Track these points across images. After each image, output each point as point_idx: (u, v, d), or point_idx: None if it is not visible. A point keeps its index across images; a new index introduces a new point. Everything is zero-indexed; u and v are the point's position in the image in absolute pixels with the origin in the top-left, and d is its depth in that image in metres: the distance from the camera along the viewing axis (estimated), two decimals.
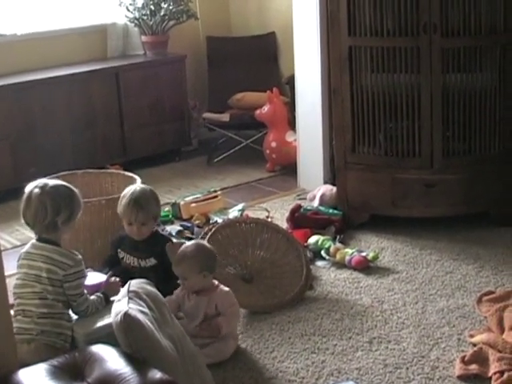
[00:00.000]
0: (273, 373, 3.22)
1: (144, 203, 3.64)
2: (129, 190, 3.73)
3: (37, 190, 3.10)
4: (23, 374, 2.42)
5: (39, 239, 3.12)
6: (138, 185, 3.87)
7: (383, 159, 4.51)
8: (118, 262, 3.75)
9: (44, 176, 4.47)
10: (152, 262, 3.68)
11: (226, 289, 3.43)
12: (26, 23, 5.90)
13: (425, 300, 3.77)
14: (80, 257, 3.11)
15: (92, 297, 3.14)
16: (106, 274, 3.49)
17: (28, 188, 3.15)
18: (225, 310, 3.35)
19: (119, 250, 3.76)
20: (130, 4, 6.25)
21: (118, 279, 3.35)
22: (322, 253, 4.27)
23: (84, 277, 3.11)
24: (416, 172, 4.44)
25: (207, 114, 6.33)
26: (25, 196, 3.13)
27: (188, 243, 3.53)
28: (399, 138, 4.44)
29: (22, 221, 3.15)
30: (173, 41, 6.45)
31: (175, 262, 3.39)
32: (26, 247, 3.15)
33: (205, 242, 3.57)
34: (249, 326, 3.61)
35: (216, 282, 3.44)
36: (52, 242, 3.09)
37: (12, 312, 2.85)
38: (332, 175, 5.07)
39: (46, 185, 3.13)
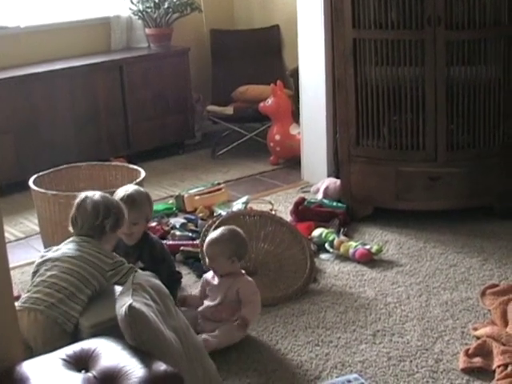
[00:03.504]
0: (276, 365, 3.22)
1: (138, 201, 3.61)
2: (123, 189, 3.71)
3: (90, 196, 3.24)
4: (27, 365, 2.42)
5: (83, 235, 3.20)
6: (132, 185, 3.83)
7: (387, 152, 4.50)
8: None
9: (47, 169, 4.52)
10: (140, 265, 3.66)
11: (250, 279, 3.47)
12: (29, 15, 5.90)
13: (428, 293, 3.77)
14: None
15: None
16: None
17: (80, 196, 3.27)
18: (247, 298, 3.37)
19: (114, 255, 3.74)
20: None
21: None
22: (326, 246, 4.27)
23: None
24: (420, 165, 4.44)
25: (211, 107, 6.33)
26: (77, 201, 3.24)
27: (224, 227, 3.54)
28: (403, 131, 4.44)
29: (70, 227, 3.22)
30: (177, 33, 6.44)
31: (208, 242, 3.41)
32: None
33: (239, 229, 3.54)
34: None
35: (243, 271, 3.47)
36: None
37: (17, 304, 2.85)
38: (336, 168, 5.07)
39: (97, 193, 3.28)
